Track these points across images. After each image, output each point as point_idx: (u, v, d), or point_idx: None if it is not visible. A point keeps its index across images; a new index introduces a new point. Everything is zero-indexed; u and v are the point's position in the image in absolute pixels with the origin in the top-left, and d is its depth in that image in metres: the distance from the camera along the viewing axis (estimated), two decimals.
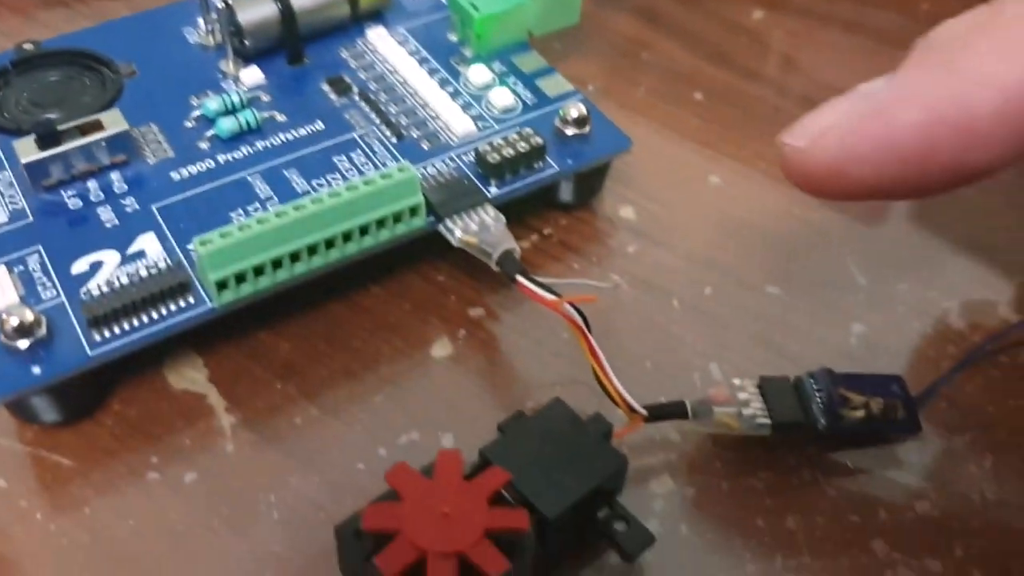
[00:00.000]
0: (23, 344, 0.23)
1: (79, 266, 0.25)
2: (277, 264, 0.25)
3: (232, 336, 0.26)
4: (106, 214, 0.27)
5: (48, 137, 0.26)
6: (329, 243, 0.25)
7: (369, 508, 0.20)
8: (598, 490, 0.22)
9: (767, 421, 0.24)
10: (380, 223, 0.26)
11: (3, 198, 0.27)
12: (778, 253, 0.29)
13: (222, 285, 0.24)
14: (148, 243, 0.26)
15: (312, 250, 0.25)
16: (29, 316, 0.23)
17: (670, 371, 0.26)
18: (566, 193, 0.29)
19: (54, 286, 0.25)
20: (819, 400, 0.24)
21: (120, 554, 0.23)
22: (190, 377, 0.26)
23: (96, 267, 0.25)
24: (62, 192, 0.27)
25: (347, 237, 0.25)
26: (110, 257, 0.26)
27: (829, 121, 0.19)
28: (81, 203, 0.27)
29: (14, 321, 0.23)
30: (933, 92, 0.18)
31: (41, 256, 0.25)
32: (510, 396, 0.25)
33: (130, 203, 0.27)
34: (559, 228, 0.30)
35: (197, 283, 0.25)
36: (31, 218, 0.26)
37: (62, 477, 0.24)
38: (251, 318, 0.27)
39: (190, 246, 0.25)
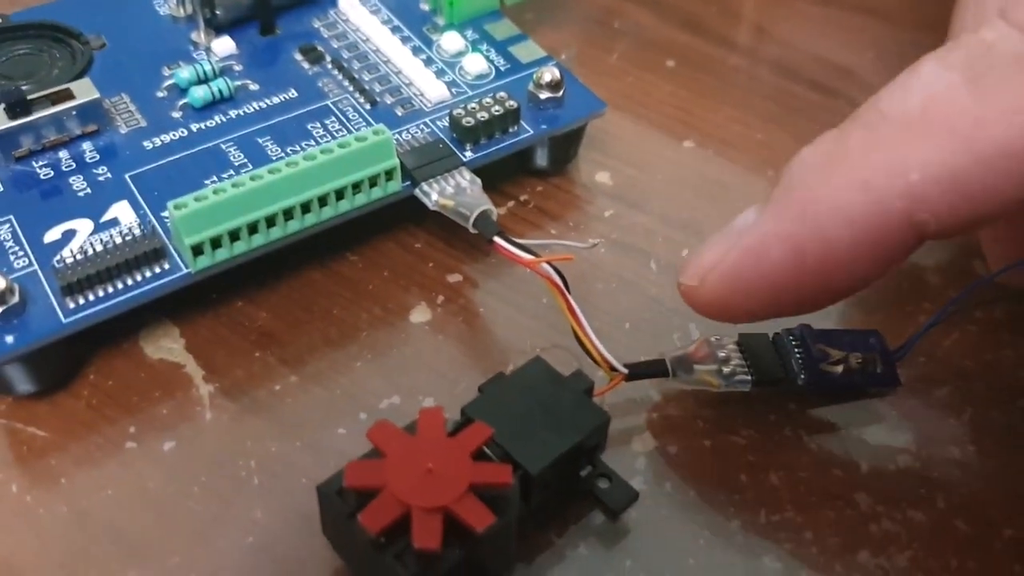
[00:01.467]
0: None
1: (52, 235, 0.25)
2: (253, 229, 0.24)
3: (208, 306, 0.26)
4: (78, 183, 0.26)
5: (18, 106, 0.26)
6: (305, 207, 0.25)
7: (351, 465, 0.20)
8: (581, 446, 0.22)
9: (748, 377, 0.24)
10: (356, 187, 0.25)
11: None
12: None
13: (197, 250, 0.24)
14: (122, 211, 0.25)
15: (288, 214, 0.25)
16: (1, 283, 0.23)
17: (649, 332, 0.26)
18: (542, 159, 0.29)
19: (26, 255, 0.24)
20: (798, 355, 0.24)
21: (99, 524, 0.22)
22: (166, 347, 0.25)
23: (69, 235, 0.25)
24: (33, 162, 0.27)
25: (323, 201, 0.25)
26: (83, 226, 0.25)
27: (712, 261, 0.21)
28: (52, 173, 0.27)
29: None
30: (794, 230, 0.20)
31: (13, 226, 0.25)
32: (490, 360, 0.25)
33: (102, 172, 0.27)
34: (535, 194, 0.29)
35: (172, 249, 0.24)
36: (1, 188, 0.26)
37: (37, 449, 0.23)
38: (228, 287, 0.26)
39: (164, 213, 0.24)
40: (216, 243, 0.24)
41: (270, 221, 0.24)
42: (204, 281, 0.25)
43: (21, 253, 0.24)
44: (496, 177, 0.28)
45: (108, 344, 0.25)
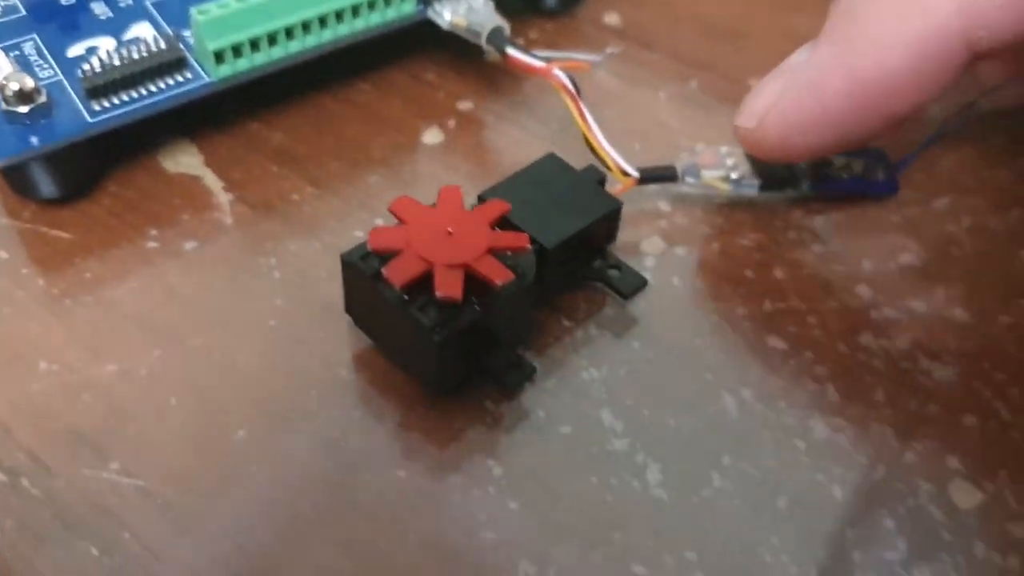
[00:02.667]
0: (23, 109, 0.23)
1: (75, 50, 0.26)
2: (272, 40, 0.25)
3: (225, 127, 0.27)
4: (99, 8, 0.27)
5: None
6: (322, 21, 0.25)
7: (374, 230, 0.20)
8: (593, 230, 0.22)
9: (754, 182, 0.25)
10: (371, 5, 0.26)
11: None
12: (759, 53, 0.30)
13: (220, 57, 0.24)
14: (143, 30, 0.26)
15: (306, 28, 0.25)
16: (29, 83, 0.23)
17: (658, 151, 0.26)
18: None
19: (51, 67, 0.25)
20: (803, 162, 0.25)
21: (123, 312, 0.23)
22: (185, 162, 0.26)
23: (92, 51, 0.25)
24: None
25: (339, 17, 0.26)
26: (106, 42, 0.26)
27: (769, 101, 0.22)
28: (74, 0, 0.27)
29: (14, 86, 0.23)
30: (851, 59, 0.21)
31: (36, 43, 0.26)
32: (501, 174, 0.25)
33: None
34: (545, 33, 0.30)
35: (194, 61, 0.25)
36: (24, 12, 0.26)
37: (62, 248, 0.24)
38: (244, 110, 0.27)
39: (185, 32, 0.26)
40: (237, 52, 0.25)
41: (289, 33, 0.25)
42: (223, 94, 0.25)
43: (46, 65, 0.25)
44: (505, 16, 0.28)
45: (128, 160, 0.26)
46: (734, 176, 0.25)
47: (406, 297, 0.20)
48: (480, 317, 0.20)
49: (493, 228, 0.21)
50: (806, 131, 0.22)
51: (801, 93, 0.21)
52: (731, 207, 0.25)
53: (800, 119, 0.22)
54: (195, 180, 0.26)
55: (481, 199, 0.22)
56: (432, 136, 0.27)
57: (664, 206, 0.25)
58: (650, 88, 0.28)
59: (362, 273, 0.20)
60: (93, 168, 0.25)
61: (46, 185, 0.24)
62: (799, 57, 0.22)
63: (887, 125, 0.22)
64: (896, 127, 0.22)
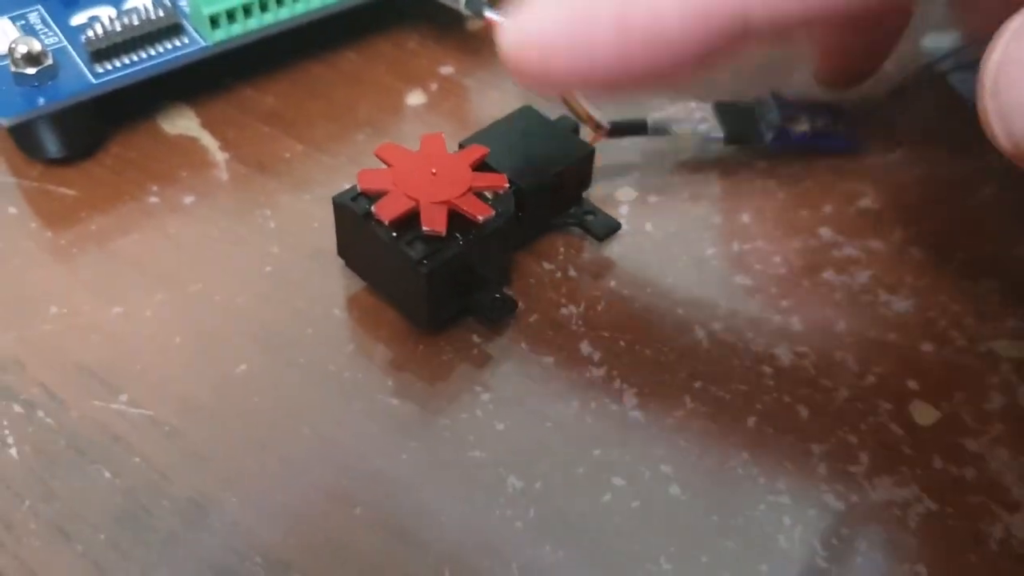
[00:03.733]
0: (31, 71, 0.24)
1: (77, 19, 0.26)
2: (264, 6, 0.26)
3: (220, 92, 0.28)
4: None
5: None
6: None
7: (362, 172, 0.21)
8: (569, 173, 0.23)
9: (720, 135, 0.26)
10: None
11: None
12: None
13: (214, 21, 0.25)
14: (141, 0, 0.27)
15: None
16: (37, 46, 0.24)
17: (629, 109, 0.27)
18: None
19: (55, 34, 0.26)
20: (768, 118, 0.26)
21: (126, 259, 0.24)
22: (183, 125, 0.27)
23: (94, 19, 0.26)
24: None
25: None
26: (106, 11, 0.27)
27: (541, 27, 0.19)
28: None
29: (23, 49, 0.24)
30: (626, 6, 0.18)
31: (40, 13, 0.26)
32: None
33: None
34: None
35: (190, 27, 0.26)
36: None
37: (68, 204, 0.25)
38: (238, 75, 0.28)
39: (182, 1, 0.26)
40: (231, 17, 0.25)
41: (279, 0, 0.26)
42: (217, 59, 0.26)
43: (51, 32, 0.26)
44: None
45: (128, 124, 0.27)
46: (702, 129, 0.25)
47: (395, 234, 0.21)
48: (464, 251, 0.21)
49: (474, 170, 0.21)
50: (570, 69, 0.19)
51: (572, 27, 0.19)
52: (700, 160, 0.26)
53: (564, 53, 0.19)
54: (192, 141, 0.26)
55: (461, 146, 0.23)
56: (415, 98, 0.28)
57: (636, 158, 0.26)
58: None
59: (353, 213, 0.21)
60: (96, 129, 0.26)
61: (52, 144, 0.25)
62: None
63: (647, 81, 0.19)
64: (659, 85, 0.20)
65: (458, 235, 0.20)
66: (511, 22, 0.19)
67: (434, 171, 0.21)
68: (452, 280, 0.21)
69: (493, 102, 0.27)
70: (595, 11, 0.19)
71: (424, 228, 0.20)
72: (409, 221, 0.21)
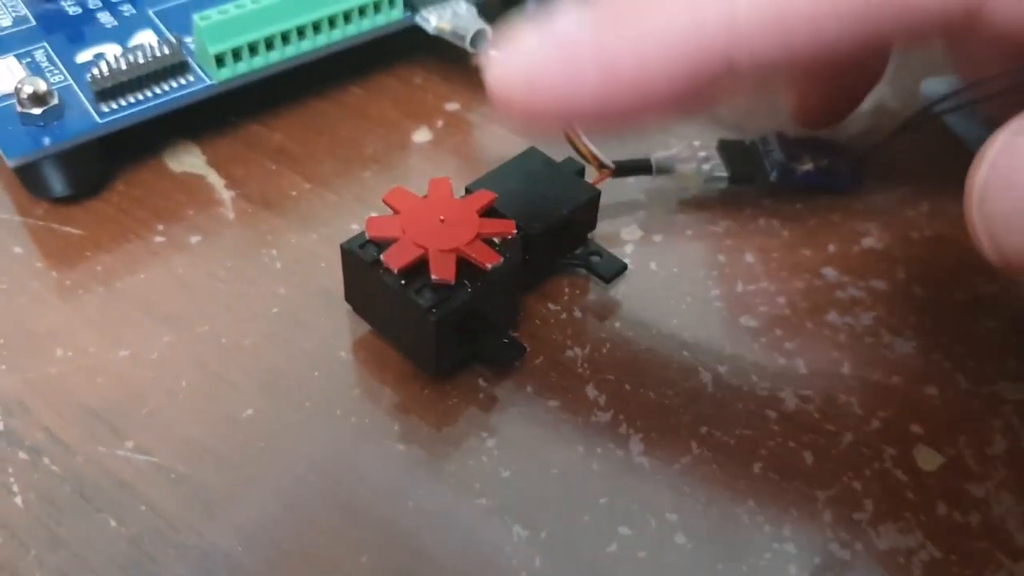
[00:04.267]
0: (37, 111, 0.24)
1: (83, 56, 0.26)
2: (269, 44, 0.26)
3: (227, 129, 0.28)
4: (105, 17, 0.28)
5: None
6: (316, 26, 0.26)
7: (370, 219, 0.21)
8: (574, 216, 0.23)
9: (724, 174, 0.25)
10: (362, 11, 0.27)
11: (4, 6, 0.27)
12: None
13: (220, 60, 0.25)
14: (147, 37, 0.27)
15: (301, 32, 0.26)
16: (43, 86, 0.24)
17: (633, 145, 0.27)
18: None
19: (61, 72, 0.26)
20: (771, 156, 0.26)
21: (132, 300, 0.24)
22: (189, 162, 0.27)
23: (99, 57, 0.26)
24: (61, 2, 0.28)
25: (332, 22, 0.26)
26: (112, 49, 0.26)
27: (525, 61, 0.19)
28: (80, 10, 0.28)
29: (28, 89, 0.24)
30: (613, 45, 0.18)
31: (47, 50, 0.26)
32: (487, 168, 0.26)
33: (127, 9, 0.28)
34: None
35: (195, 65, 0.26)
36: (34, 23, 0.27)
37: (74, 243, 0.25)
38: (244, 112, 0.28)
39: (187, 38, 0.26)
40: (237, 55, 0.25)
41: (285, 37, 0.26)
42: (223, 96, 0.26)
43: (56, 71, 0.26)
44: (488, 20, 0.29)
45: (134, 161, 0.27)
46: (705, 168, 0.25)
47: (403, 282, 0.20)
48: (472, 298, 0.21)
49: (481, 216, 0.21)
50: (554, 105, 0.19)
51: (560, 68, 0.19)
52: (703, 198, 0.26)
53: (552, 94, 0.19)
54: (198, 178, 0.26)
55: (468, 190, 0.23)
56: (421, 135, 0.28)
57: (641, 198, 0.26)
58: None
59: (361, 260, 0.21)
60: (102, 168, 0.26)
61: (58, 183, 0.25)
62: (566, 24, 0.19)
63: (636, 118, 0.19)
64: (648, 120, 0.20)
65: (467, 282, 0.20)
66: (498, 57, 0.19)
67: (442, 218, 0.21)
68: (460, 327, 0.21)
69: (499, 139, 0.27)
70: (578, 51, 0.18)
71: (433, 277, 0.20)
72: (418, 269, 0.20)
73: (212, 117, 0.27)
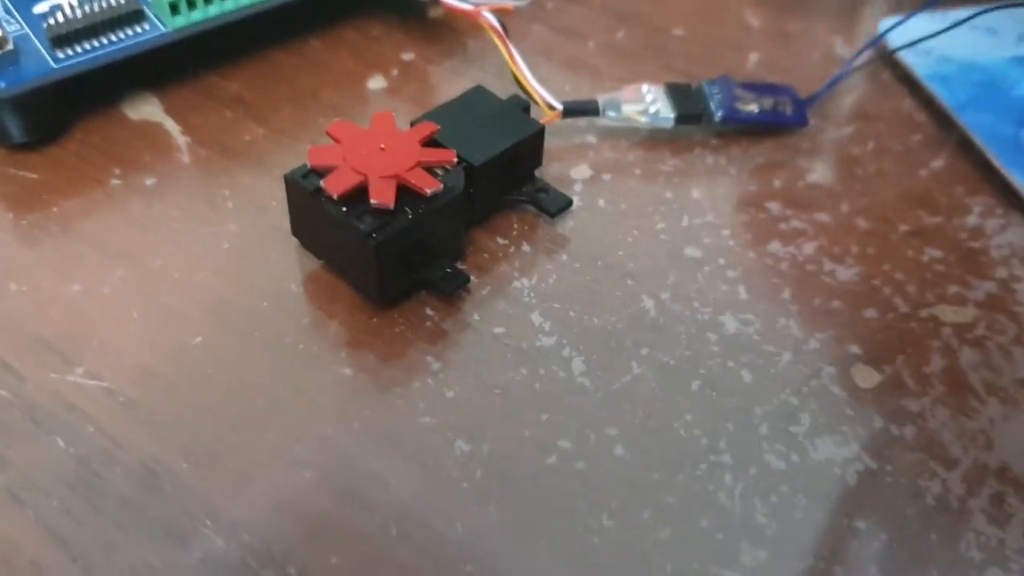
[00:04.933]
0: None
1: (40, 8, 0.26)
2: None
3: (184, 79, 0.28)
4: None
5: None
6: None
7: (312, 148, 0.21)
8: (519, 150, 0.23)
9: (671, 114, 0.26)
10: None
11: None
12: (684, 6, 0.31)
13: (174, 7, 0.25)
14: None
15: None
16: None
17: (586, 94, 0.27)
18: None
19: (17, 22, 0.26)
20: (717, 96, 0.26)
21: (87, 238, 0.24)
22: (146, 111, 0.27)
23: (56, 8, 0.26)
24: None
25: None
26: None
27: None
28: None
29: None
30: None
31: (3, 2, 0.27)
32: None
33: None
34: None
35: (151, 13, 0.26)
36: None
37: (31, 186, 0.25)
38: (201, 63, 0.28)
39: None
40: (191, 3, 0.26)
41: None
42: (179, 44, 0.26)
43: (12, 20, 0.26)
44: None
45: (92, 110, 0.27)
46: (652, 110, 0.26)
47: (344, 208, 0.21)
48: (413, 224, 0.21)
49: (423, 147, 0.22)
50: None
51: None
52: (652, 139, 0.26)
53: None
54: (156, 126, 0.27)
55: (412, 124, 0.23)
56: (376, 83, 0.28)
57: (591, 139, 0.26)
58: (580, 38, 0.30)
59: (304, 189, 0.21)
60: (59, 115, 0.26)
61: (15, 128, 0.25)
62: None
63: None
64: None
65: (407, 209, 0.21)
66: None
67: (383, 147, 0.21)
68: (403, 254, 0.21)
69: (453, 86, 0.28)
70: None
71: (372, 201, 0.20)
72: (359, 196, 0.21)
73: (170, 68, 0.28)
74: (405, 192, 0.21)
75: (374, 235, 0.20)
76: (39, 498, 0.19)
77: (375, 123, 0.22)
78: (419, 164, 0.21)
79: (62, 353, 0.21)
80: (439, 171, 0.21)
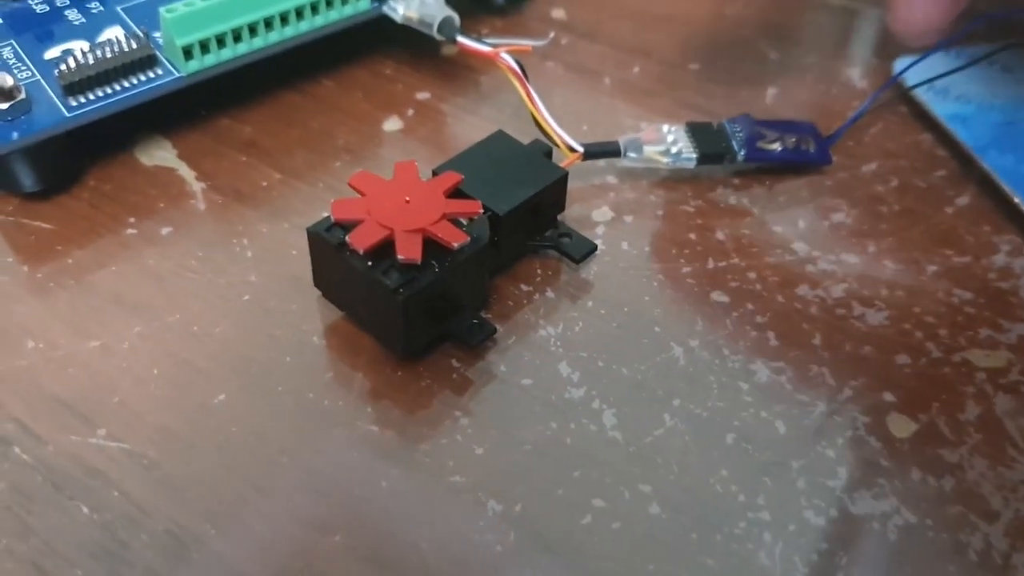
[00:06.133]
0: (3, 106, 0.24)
1: (51, 53, 0.26)
2: (237, 36, 0.26)
3: (197, 123, 0.27)
4: (73, 15, 0.27)
5: None
6: (283, 18, 0.26)
7: (336, 201, 0.21)
8: (542, 198, 0.23)
9: (693, 155, 0.25)
10: (329, 2, 0.26)
11: None
12: (698, 40, 0.31)
13: (188, 53, 0.25)
14: (115, 33, 0.26)
15: (268, 24, 0.26)
16: (8, 80, 0.24)
17: (604, 132, 0.27)
18: None
19: (28, 68, 0.25)
20: (739, 135, 0.25)
21: (103, 292, 0.23)
22: (160, 156, 0.27)
23: (68, 53, 0.26)
24: (29, 1, 0.27)
25: (299, 14, 0.26)
26: (80, 45, 0.26)
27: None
28: (48, 8, 0.27)
29: None
30: None
31: (14, 48, 0.26)
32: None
33: (95, 6, 0.27)
34: (495, 29, 0.31)
35: (163, 58, 0.25)
36: (1, 21, 0.27)
37: (44, 238, 0.24)
38: (214, 105, 0.28)
39: (156, 33, 0.26)
40: (204, 47, 0.25)
41: (252, 29, 0.26)
42: (193, 89, 0.26)
43: (24, 67, 0.25)
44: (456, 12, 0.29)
45: (105, 156, 0.26)
46: (674, 151, 0.25)
47: (370, 263, 0.20)
48: (440, 278, 0.20)
49: (448, 197, 0.21)
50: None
51: None
52: (674, 179, 0.26)
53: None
54: (169, 172, 0.26)
55: (435, 173, 0.23)
56: (392, 124, 0.27)
57: (612, 180, 0.26)
58: (595, 75, 0.29)
59: (327, 243, 0.21)
60: (71, 163, 0.25)
61: (27, 178, 0.25)
62: None
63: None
64: None
65: (434, 262, 0.20)
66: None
67: (408, 199, 0.21)
68: (429, 307, 0.20)
69: (469, 126, 0.27)
70: None
71: (399, 257, 0.20)
72: (384, 250, 0.20)
73: (183, 112, 0.27)
74: (431, 245, 0.20)
75: (401, 290, 0.20)
76: (62, 568, 0.18)
77: (398, 173, 0.21)
78: (444, 216, 0.20)
79: (82, 414, 0.20)
80: (464, 221, 0.21)
